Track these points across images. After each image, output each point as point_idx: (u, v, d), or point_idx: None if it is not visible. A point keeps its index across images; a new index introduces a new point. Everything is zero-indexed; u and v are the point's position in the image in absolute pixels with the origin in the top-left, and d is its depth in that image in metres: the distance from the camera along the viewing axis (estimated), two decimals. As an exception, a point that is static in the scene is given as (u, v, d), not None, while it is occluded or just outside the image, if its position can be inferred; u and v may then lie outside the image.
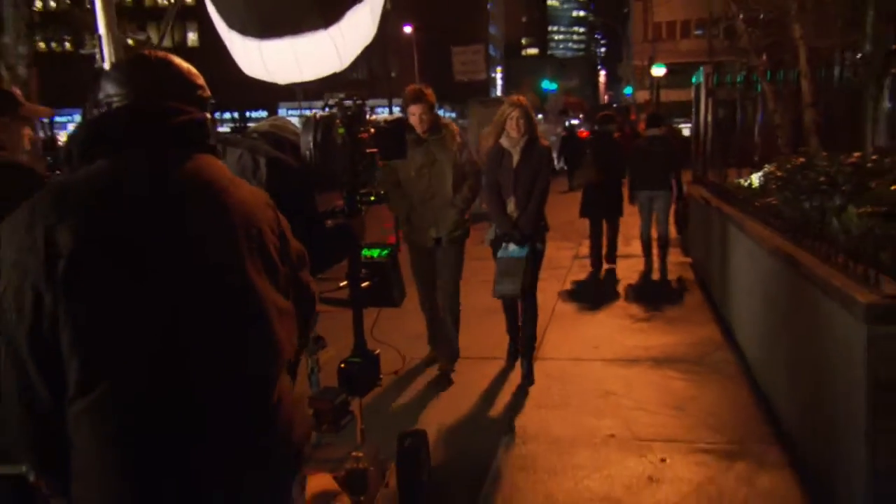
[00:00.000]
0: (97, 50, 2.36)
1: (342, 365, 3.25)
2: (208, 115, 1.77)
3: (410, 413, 4.71)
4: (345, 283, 3.35)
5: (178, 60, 1.78)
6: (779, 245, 4.30)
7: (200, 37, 46.50)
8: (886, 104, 10.29)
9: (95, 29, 2.36)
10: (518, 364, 5.38)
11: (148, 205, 1.59)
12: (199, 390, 1.55)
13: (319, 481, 2.88)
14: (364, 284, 3.34)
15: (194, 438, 1.55)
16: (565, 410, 4.69)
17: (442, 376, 5.33)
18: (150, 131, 1.66)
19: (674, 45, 39.43)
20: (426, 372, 5.46)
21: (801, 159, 5.23)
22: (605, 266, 8.94)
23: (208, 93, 1.82)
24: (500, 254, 5.09)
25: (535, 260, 5.15)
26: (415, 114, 5.12)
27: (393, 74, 47.02)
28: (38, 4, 47.62)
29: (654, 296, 7.72)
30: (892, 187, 3.47)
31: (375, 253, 3.47)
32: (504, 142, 5.22)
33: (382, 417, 4.46)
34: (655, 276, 8.58)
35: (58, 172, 2.69)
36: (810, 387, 3.73)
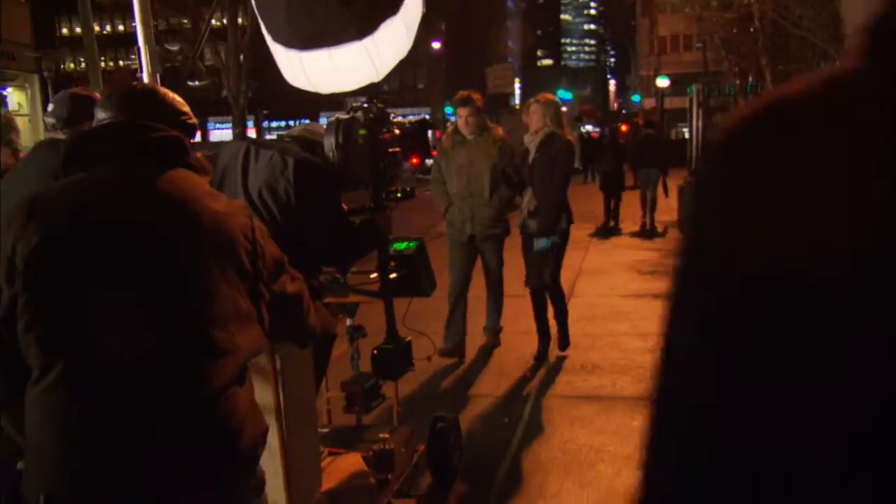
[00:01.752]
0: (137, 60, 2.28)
1: (374, 351, 3.15)
2: (185, 136, 1.70)
3: (447, 397, 4.58)
4: (375, 274, 3.25)
5: (163, 90, 1.75)
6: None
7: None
8: None
9: (135, 42, 2.28)
10: (549, 348, 5.20)
11: (116, 211, 1.56)
12: (143, 384, 1.47)
13: (350, 460, 2.77)
14: (392, 276, 3.23)
15: (139, 426, 1.46)
16: (593, 321, 6.12)
17: (489, 348, 5.35)
18: (123, 146, 1.62)
19: (677, 56, 38.87)
20: (466, 358, 5.27)
21: None
22: (612, 223, 12.13)
23: (193, 120, 1.77)
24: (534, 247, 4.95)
25: (555, 252, 4.96)
26: (462, 116, 5.07)
27: (420, 86, 47.07)
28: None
29: (650, 239, 10.48)
30: None
31: (403, 246, 3.36)
32: (525, 138, 5.05)
33: (421, 402, 4.37)
34: (648, 224, 11.52)
35: None
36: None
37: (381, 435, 2.91)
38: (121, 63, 47.87)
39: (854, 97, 0.57)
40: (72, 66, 44.67)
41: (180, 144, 1.67)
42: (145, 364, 1.47)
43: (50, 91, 27.16)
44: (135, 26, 2.22)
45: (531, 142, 4.96)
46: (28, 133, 31.98)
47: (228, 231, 1.61)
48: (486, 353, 5.35)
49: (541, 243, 4.86)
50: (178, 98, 1.75)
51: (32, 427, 1.47)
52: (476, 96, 5.13)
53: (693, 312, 0.62)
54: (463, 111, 5.07)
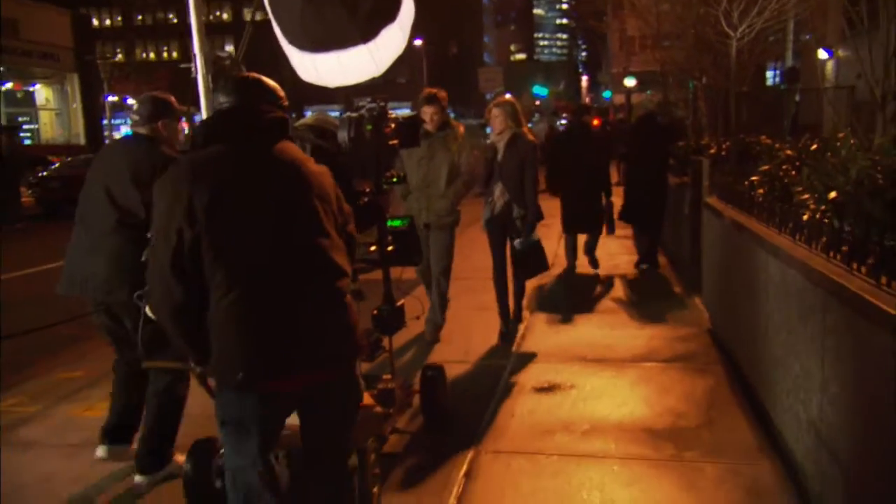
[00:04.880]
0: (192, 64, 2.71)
1: (374, 311, 3.59)
2: (286, 115, 2.20)
3: (435, 351, 5.12)
4: (374, 247, 3.69)
5: (266, 79, 2.22)
6: (672, 180, 7.97)
7: (235, 48, 47.14)
8: (793, 108, 12.30)
9: (192, 48, 2.70)
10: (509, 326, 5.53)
11: (254, 173, 2.05)
12: (297, 295, 2.01)
13: (360, 397, 3.22)
14: (389, 248, 3.67)
15: (297, 323, 2.02)
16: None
17: (429, 343, 5.41)
18: (250, 124, 2.10)
19: (645, 55, 39.34)
20: (448, 320, 5.59)
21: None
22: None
23: (287, 102, 2.26)
24: (518, 244, 5.21)
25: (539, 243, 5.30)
26: (427, 113, 5.21)
27: (401, 80, 47.28)
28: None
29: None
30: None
31: (398, 223, 3.79)
32: (493, 137, 5.32)
33: (413, 354, 4.99)
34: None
35: None
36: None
37: (384, 376, 3.38)
38: (164, 55, 53.91)
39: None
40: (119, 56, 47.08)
41: (285, 122, 2.17)
42: (297, 285, 2.01)
43: (105, 87, 29.05)
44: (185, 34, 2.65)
45: (498, 141, 5.24)
46: (56, 125, 33.56)
47: (325, 186, 2.15)
48: (441, 344, 5.42)
49: (532, 239, 5.16)
50: (276, 85, 2.23)
51: (221, 329, 1.98)
52: (442, 94, 5.24)
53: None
54: (429, 109, 5.18)
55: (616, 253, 8.56)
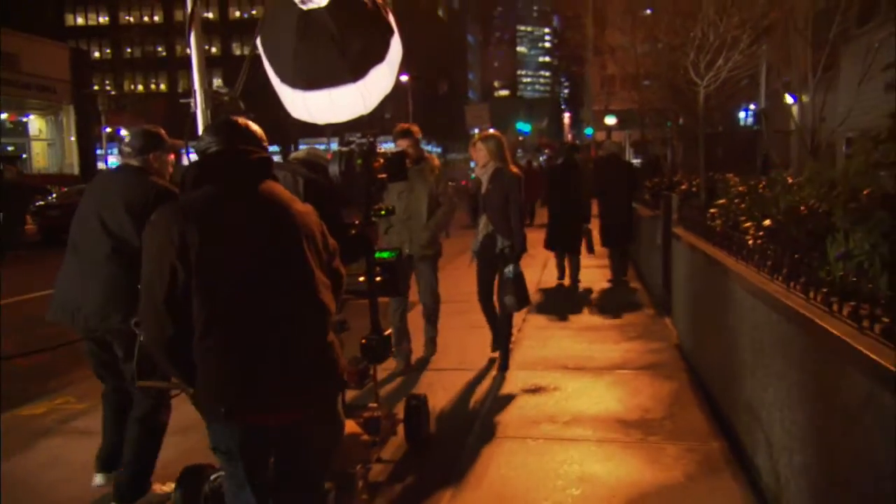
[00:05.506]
0: (191, 100, 2.78)
1: (363, 340, 3.64)
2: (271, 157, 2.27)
3: (418, 381, 5.15)
4: (362, 277, 3.74)
5: (249, 123, 2.29)
6: (647, 213, 8.86)
7: (224, 81, 47.46)
8: (764, 148, 12.97)
9: (191, 83, 2.78)
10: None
11: (242, 214, 2.09)
12: (279, 333, 2.04)
13: (347, 425, 3.25)
14: (377, 279, 3.73)
15: (279, 361, 2.03)
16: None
17: (427, 357, 5.57)
18: (237, 165, 2.16)
19: (626, 93, 40.12)
20: (441, 336, 5.76)
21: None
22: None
23: (268, 143, 2.32)
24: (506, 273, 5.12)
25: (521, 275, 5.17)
26: (402, 147, 5.16)
27: (387, 115, 47.85)
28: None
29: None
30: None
31: (386, 255, 3.86)
32: (477, 171, 5.41)
33: (397, 385, 5.07)
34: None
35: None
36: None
37: (371, 405, 3.41)
38: (152, 87, 55.63)
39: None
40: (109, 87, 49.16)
41: (270, 163, 2.23)
42: (280, 323, 2.03)
43: (103, 119, 29.65)
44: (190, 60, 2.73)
45: (483, 174, 5.31)
46: (48, 155, 34.25)
47: (310, 225, 2.18)
48: (437, 355, 5.64)
49: (516, 269, 5.08)
50: (258, 128, 2.30)
51: (203, 364, 2.00)
52: (415, 129, 5.30)
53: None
54: (403, 143, 5.19)
55: (595, 279, 9.19)
